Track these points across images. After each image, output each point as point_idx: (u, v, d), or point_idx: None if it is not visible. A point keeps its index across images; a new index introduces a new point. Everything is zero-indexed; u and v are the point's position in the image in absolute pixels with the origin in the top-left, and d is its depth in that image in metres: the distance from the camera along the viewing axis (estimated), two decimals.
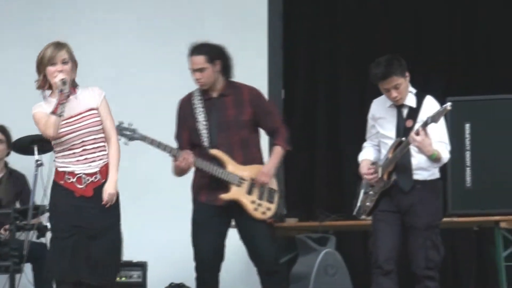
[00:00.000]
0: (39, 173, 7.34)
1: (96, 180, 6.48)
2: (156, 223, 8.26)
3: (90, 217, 6.45)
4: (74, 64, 6.57)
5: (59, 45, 6.56)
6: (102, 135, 6.51)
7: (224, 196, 6.92)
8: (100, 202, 6.44)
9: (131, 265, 7.28)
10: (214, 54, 7.08)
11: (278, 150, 7.08)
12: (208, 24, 8.58)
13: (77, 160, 6.49)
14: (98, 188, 6.45)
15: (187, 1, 8.98)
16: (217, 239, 7.09)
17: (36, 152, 7.55)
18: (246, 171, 7.00)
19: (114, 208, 6.53)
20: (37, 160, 7.47)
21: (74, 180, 6.50)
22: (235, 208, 6.98)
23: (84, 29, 8.60)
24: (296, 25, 9.08)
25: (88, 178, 6.48)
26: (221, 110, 7.08)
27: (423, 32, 9.00)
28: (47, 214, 7.40)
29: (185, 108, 7.22)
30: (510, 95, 7.64)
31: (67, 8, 8.95)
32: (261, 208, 6.96)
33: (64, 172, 6.50)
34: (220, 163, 6.99)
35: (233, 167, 6.98)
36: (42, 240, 7.76)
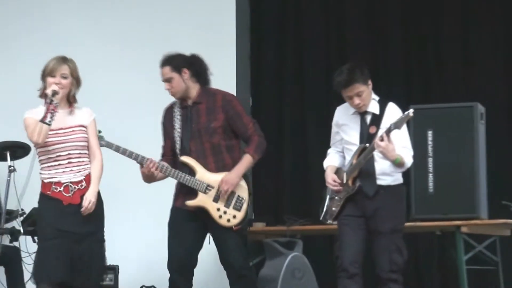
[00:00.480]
0: (11, 178, 7.30)
1: (82, 187, 6.55)
2: (127, 228, 8.23)
3: (77, 223, 6.50)
4: (76, 80, 6.64)
5: (62, 60, 6.64)
6: (86, 151, 6.60)
7: (189, 203, 6.92)
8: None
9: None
10: (180, 63, 7.07)
11: (246, 158, 7.02)
12: (179, 39, 8.50)
13: (63, 171, 6.54)
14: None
15: (160, 17, 8.94)
16: (190, 243, 7.05)
17: (8, 157, 7.54)
18: (215, 179, 6.94)
19: (99, 215, 6.64)
20: (9, 166, 7.48)
21: (62, 189, 6.54)
22: (206, 214, 6.94)
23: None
24: (262, 36, 9.07)
25: (74, 186, 6.53)
26: (195, 118, 7.05)
27: (384, 42, 8.99)
28: (20, 219, 7.55)
29: (166, 117, 7.23)
30: (468, 103, 7.67)
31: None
32: (226, 216, 6.92)
33: (51, 183, 6.54)
34: (191, 170, 6.94)
35: (201, 174, 6.94)
36: (16, 244, 7.77)
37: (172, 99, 7.25)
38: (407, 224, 7.02)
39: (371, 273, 6.78)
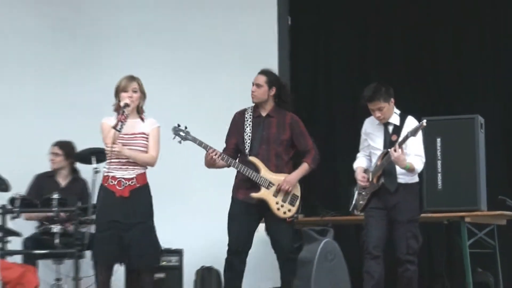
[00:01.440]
0: (96, 178, 7.26)
1: (132, 184, 6.66)
2: (190, 216, 8.14)
3: (126, 214, 6.59)
4: (143, 94, 6.79)
5: (132, 77, 6.78)
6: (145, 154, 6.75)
7: (254, 195, 6.91)
8: (135, 201, 6.64)
9: (170, 251, 7.14)
10: (274, 80, 7.10)
11: (304, 166, 7.05)
12: (230, 65, 8.50)
13: (120, 168, 6.66)
14: (134, 191, 6.66)
15: (211, 47, 8.76)
16: (247, 230, 7.02)
17: (94, 161, 7.52)
18: (276, 178, 6.94)
19: (146, 206, 6.72)
20: (94, 168, 7.47)
21: (115, 183, 6.66)
22: (265, 206, 6.94)
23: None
24: (301, 55, 8.96)
25: (126, 182, 6.64)
26: (266, 128, 7.03)
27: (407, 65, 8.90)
28: None
29: (238, 120, 7.17)
30: (470, 115, 7.61)
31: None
32: (283, 209, 6.93)
33: (108, 176, 6.68)
34: (256, 168, 6.93)
35: (265, 173, 6.94)
36: None
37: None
38: (421, 215, 7.04)
39: (391, 256, 6.76)
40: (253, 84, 7.05)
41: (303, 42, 8.87)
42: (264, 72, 7.10)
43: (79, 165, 8.19)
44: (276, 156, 6.99)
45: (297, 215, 7.05)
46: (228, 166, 6.98)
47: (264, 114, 7.07)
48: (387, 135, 6.74)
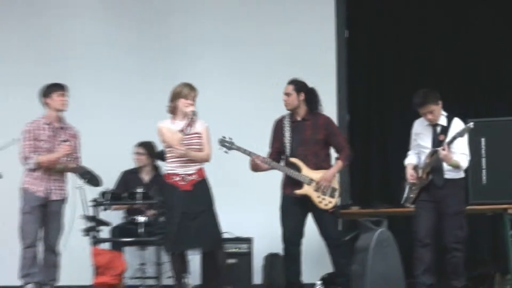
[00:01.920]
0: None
1: (193, 179, 6.76)
2: (259, 208, 8.10)
3: (190, 205, 6.67)
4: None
5: (193, 87, 6.82)
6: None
7: (298, 192, 6.99)
8: (197, 194, 6.72)
9: (241, 240, 7.19)
10: (301, 87, 7.12)
11: (338, 164, 7.12)
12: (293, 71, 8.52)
13: (181, 165, 6.74)
14: (195, 184, 6.75)
15: (276, 57, 8.69)
16: (297, 221, 7.08)
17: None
18: (316, 175, 6.99)
19: (206, 197, 6.79)
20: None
21: (178, 179, 6.75)
22: (309, 200, 7.00)
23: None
24: (358, 63, 8.85)
25: (188, 177, 6.74)
26: (302, 131, 7.08)
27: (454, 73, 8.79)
28: None
29: (278, 126, 7.23)
30: (510, 117, 7.62)
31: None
32: (324, 202, 6.99)
33: (171, 174, 6.79)
34: (297, 168, 6.99)
35: (306, 171, 7.00)
36: None
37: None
38: (467, 207, 7.02)
39: (440, 244, 6.78)
40: (283, 94, 7.11)
41: (358, 51, 8.81)
42: (291, 81, 7.15)
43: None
44: (314, 155, 7.04)
45: (338, 206, 7.14)
46: (272, 168, 7.07)
47: (299, 118, 7.13)
48: (435, 135, 6.76)
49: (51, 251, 7.15)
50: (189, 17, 8.79)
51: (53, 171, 7.10)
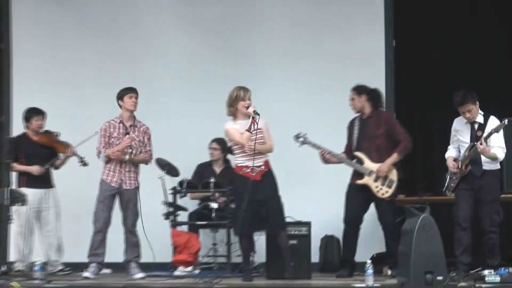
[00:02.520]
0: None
1: (261, 169, 6.79)
2: (317, 195, 8.10)
3: (259, 193, 6.69)
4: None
5: (246, 89, 6.84)
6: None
7: (358, 182, 7.05)
8: (264, 183, 6.74)
9: (301, 223, 7.08)
10: (362, 90, 7.19)
11: (394, 156, 7.09)
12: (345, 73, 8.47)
13: (250, 159, 6.74)
14: (263, 174, 6.78)
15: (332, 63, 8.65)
16: (359, 207, 7.14)
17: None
18: (376, 166, 7.01)
19: (272, 185, 6.79)
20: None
21: (249, 170, 6.77)
22: (369, 189, 7.06)
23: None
24: (403, 68, 8.75)
25: (257, 168, 6.76)
26: (366, 127, 7.13)
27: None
28: None
29: (350, 125, 7.32)
30: None
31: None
32: (382, 191, 7.03)
33: (242, 166, 6.81)
34: (360, 161, 7.05)
35: (367, 163, 7.03)
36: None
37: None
38: (502, 195, 6.99)
39: (477, 228, 6.79)
40: (349, 101, 7.20)
41: (404, 58, 8.75)
42: (353, 87, 7.22)
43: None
44: (376, 149, 7.07)
45: (394, 195, 7.10)
46: (339, 162, 7.12)
47: (365, 117, 7.18)
48: (473, 131, 6.75)
49: (130, 232, 7.22)
50: (258, 34, 8.80)
51: (123, 162, 7.19)
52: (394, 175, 7.06)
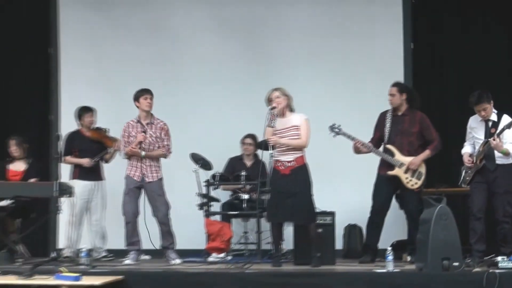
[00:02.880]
0: (272, 161, 7.08)
1: (292, 165, 6.72)
2: (341, 188, 8.16)
3: (288, 186, 6.69)
4: (287, 98, 6.80)
5: (274, 89, 6.86)
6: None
7: (390, 172, 7.07)
8: (294, 177, 6.69)
9: (326, 213, 7.11)
10: (403, 89, 7.19)
11: (426, 152, 7.13)
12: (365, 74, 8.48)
13: (282, 154, 6.77)
14: (293, 169, 6.71)
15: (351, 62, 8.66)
16: (386, 197, 7.15)
17: (271, 149, 7.19)
18: (407, 160, 7.03)
19: (303, 180, 6.73)
20: (271, 153, 7.18)
21: (279, 164, 6.78)
22: (398, 180, 7.06)
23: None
24: (421, 69, 8.67)
25: (287, 164, 6.74)
26: (400, 123, 7.14)
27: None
28: None
29: (381, 118, 7.28)
30: None
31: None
32: (411, 182, 7.05)
33: (276, 160, 6.83)
34: (391, 153, 7.05)
35: (398, 156, 7.05)
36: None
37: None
38: None
39: (490, 218, 6.78)
40: (389, 95, 7.12)
41: (421, 60, 8.72)
42: (395, 84, 7.19)
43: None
44: (409, 144, 7.07)
45: (422, 187, 7.08)
46: (369, 152, 7.08)
47: (399, 113, 7.16)
48: (487, 129, 6.75)
49: (162, 223, 7.20)
50: (284, 35, 8.80)
51: (142, 158, 7.21)
52: (423, 169, 7.08)
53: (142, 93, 7.25)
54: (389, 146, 7.10)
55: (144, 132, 7.23)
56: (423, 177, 7.06)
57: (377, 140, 7.20)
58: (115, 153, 7.77)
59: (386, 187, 7.10)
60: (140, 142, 7.18)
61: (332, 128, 7.04)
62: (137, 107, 7.32)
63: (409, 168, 7.00)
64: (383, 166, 7.12)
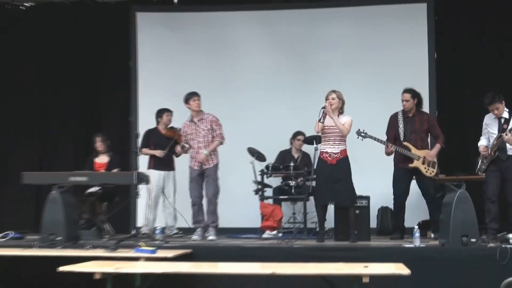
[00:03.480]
0: (316, 153, 7.29)
1: (337, 156, 6.72)
2: (375, 176, 8.01)
3: (332, 173, 6.71)
4: (340, 101, 6.81)
5: (331, 91, 6.85)
6: (343, 137, 6.79)
7: (410, 165, 7.10)
8: (339, 166, 6.66)
9: (362, 197, 7.11)
10: (415, 95, 7.23)
11: (438, 146, 7.20)
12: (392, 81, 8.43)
13: (330, 146, 6.74)
14: (339, 160, 6.69)
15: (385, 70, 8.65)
16: (405, 185, 7.18)
17: (315, 143, 7.47)
18: (422, 153, 7.09)
19: (346, 169, 6.76)
20: (315, 147, 7.45)
21: (327, 155, 6.74)
22: (416, 171, 7.11)
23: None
24: (444, 76, 8.65)
25: (334, 155, 6.73)
26: (412, 123, 7.20)
27: None
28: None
29: (393, 120, 7.27)
30: None
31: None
32: (429, 171, 7.09)
33: (323, 152, 6.80)
34: (409, 149, 7.10)
35: (415, 151, 7.10)
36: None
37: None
38: None
39: (503, 201, 6.77)
40: (402, 100, 7.14)
41: (445, 68, 8.67)
42: (407, 90, 7.18)
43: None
44: (421, 140, 7.16)
45: (437, 174, 7.14)
46: (396, 151, 7.09)
47: (410, 115, 7.21)
48: (500, 125, 6.77)
49: (210, 202, 7.19)
50: (326, 48, 8.83)
51: (207, 154, 7.20)
52: (435, 159, 7.15)
53: (191, 96, 7.24)
54: (407, 144, 7.08)
55: (195, 127, 7.28)
56: (436, 165, 7.10)
57: (393, 139, 7.15)
58: (185, 149, 7.69)
59: (405, 177, 7.10)
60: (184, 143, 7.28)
61: (358, 133, 6.94)
62: (188, 108, 7.33)
63: (426, 159, 7.04)
64: (400, 160, 7.12)
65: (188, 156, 7.54)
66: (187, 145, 7.41)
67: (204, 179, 7.26)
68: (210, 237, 7.15)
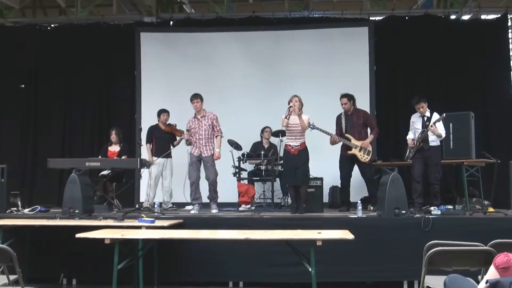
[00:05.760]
0: (281, 145, 7.27)
1: (298, 148, 6.59)
2: (326, 160, 7.51)
3: (294, 162, 6.59)
4: (300, 104, 6.61)
5: (294, 95, 6.72)
6: (303, 132, 6.66)
7: (349, 152, 7.03)
8: (299, 156, 6.56)
9: (317, 178, 6.98)
10: (351, 97, 7.15)
11: (371, 136, 7.11)
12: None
13: (291, 140, 6.58)
14: (300, 151, 6.57)
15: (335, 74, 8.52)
16: (348, 170, 7.12)
17: (280, 136, 7.42)
18: (359, 143, 7.02)
19: (305, 158, 6.61)
20: (280, 140, 7.44)
21: (290, 147, 6.64)
22: (355, 157, 7.02)
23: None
24: (382, 84, 8.64)
25: (295, 147, 6.60)
26: (351, 119, 7.13)
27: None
28: None
29: (338, 118, 7.22)
30: (465, 112, 6.99)
31: None
32: (364, 157, 6.99)
33: (287, 145, 6.68)
34: (349, 139, 7.03)
35: (354, 141, 7.05)
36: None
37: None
38: (442, 161, 6.79)
39: (426, 182, 6.67)
40: (341, 104, 7.08)
41: (382, 77, 8.69)
42: (344, 95, 7.09)
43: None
44: (358, 133, 7.05)
45: (372, 160, 7.06)
46: (339, 142, 7.06)
47: (349, 113, 7.13)
48: (423, 122, 6.75)
49: (210, 184, 6.98)
50: (289, 61, 8.78)
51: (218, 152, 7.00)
52: (370, 148, 7.04)
53: (192, 98, 7.02)
54: (347, 135, 7.03)
55: (198, 123, 7.14)
56: (371, 153, 6.99)
57: (340, 133, 7.12)
58: (180, 141, 7.62)
59: (347, 162, 7.04)
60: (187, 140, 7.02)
61: (308, 125, 6.71)
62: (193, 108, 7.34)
63: (362, 147, 6.98)
64: (343, 148, 7.10)
65: (183, 146, 7.44)
66: (191, 138, 7.20)
67: (203, 164, 6.99)
68: (213, 210, 6.92)
